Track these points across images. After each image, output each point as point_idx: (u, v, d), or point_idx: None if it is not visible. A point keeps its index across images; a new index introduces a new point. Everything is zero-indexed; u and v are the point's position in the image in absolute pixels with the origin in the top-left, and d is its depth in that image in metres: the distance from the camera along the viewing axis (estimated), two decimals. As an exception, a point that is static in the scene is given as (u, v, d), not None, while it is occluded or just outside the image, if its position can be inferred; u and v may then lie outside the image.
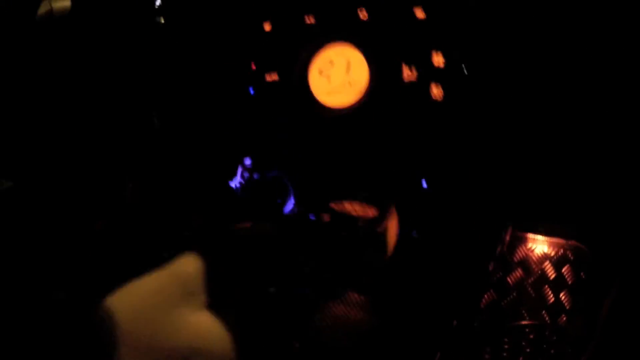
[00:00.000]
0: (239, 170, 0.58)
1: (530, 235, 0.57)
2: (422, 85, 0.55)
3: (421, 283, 0.57)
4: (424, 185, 0.55)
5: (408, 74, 0.55)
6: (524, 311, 0.54)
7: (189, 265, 0.35)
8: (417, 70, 0.55)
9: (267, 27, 0.62)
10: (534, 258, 0.56)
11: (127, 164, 0.72)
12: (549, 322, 0.53)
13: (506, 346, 0.53)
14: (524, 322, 0.54)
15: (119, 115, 0.72)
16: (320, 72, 0.60)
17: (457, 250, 0.56)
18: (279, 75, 0.61)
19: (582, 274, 0.54)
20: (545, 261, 0.55)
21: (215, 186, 0.63)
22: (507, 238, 0.56)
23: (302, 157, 0.54)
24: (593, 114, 0.55)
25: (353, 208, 0.51)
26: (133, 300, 0.32)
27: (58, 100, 0.72)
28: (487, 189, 0.57)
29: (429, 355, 0.55)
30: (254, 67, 0.62)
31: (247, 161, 0.60)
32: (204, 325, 0.34)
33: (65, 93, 0.72)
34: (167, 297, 0.33)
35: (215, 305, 0.35)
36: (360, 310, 0.54)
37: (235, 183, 0.60)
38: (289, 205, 0.57)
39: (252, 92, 0.62)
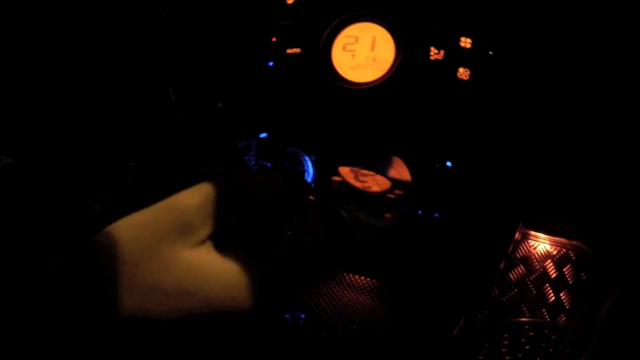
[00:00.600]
0: (254, 143, 0.58)
1: (533, 233, 0.57)
2: (448, 64, 0.56)
3: (433, 270, 0.57)
4: (448, 164, 0.55)
5: (434, 52, 0.55)
6: (524, 308, 0.54)
7: (188, 198, 0.33)
8: (444, 49, 0.55)
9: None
10: (536, 256, 0.56)
11: (130, 142, 0.71)
12: (548, 320, 0.53)
13: (505, 342, 0.53)
14: (523, 319, 0.54)
15: (124, 92, 0.72)
16: (344, 48, 0.60)
17: (473, 239, 0.56)
18: (301, 48, 0.61)
19: (583, 274, 0.54)
20: (547, 260, 0.55)
21: (229, 162, 0.63)
22: (518, 236, 0.56)
23: (321, 132, 0.54)
24: (603, 116, 0.55)
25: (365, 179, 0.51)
26: (130, 232, 0.30)
27: (61, 76, 0.71)
28: (502, 180, 0.57)
29: (438, 344, 0.54)
30: (274, 40, 0.62)
31: (263, 135, 0.59)
32: (208, 261, 0.32)
33: (68, 69, 0.71)
34: (164, 230, 0.31)
35: (220, 242, 0.34)
36: (368, 296, 0.54)
37: (249, 158, 0.60)
38: (308, 178, 0.57)
39: (271, 65, 0.62)
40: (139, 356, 0.29)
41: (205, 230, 0.33)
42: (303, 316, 0.50)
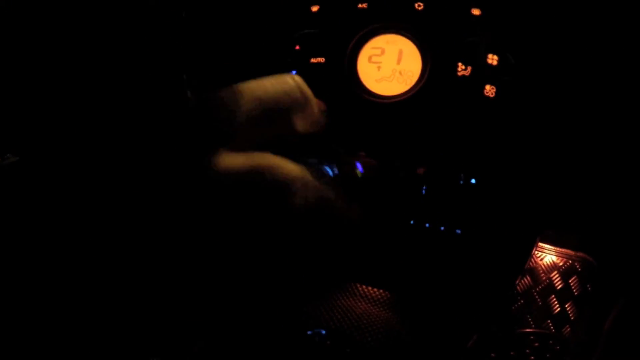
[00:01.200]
0: None
1: (540, 244, 0.58)
2: (475, 80, 0.55)
3: (449, 284, 0.57)
4: (472, 181, 0.55)
5: (461, 68, 0.55)
6: (529, 319, 0.54)
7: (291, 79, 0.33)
8: (472, 65, 0.55)
9: (315, 7, 0.61)
10: (542, 267, 0.56)
11: (137, 138, 0.70)
12: (553, 331, 0.54)
13: (511, 352, 0.54)
14: (529, 330, 0.54)
15: (136, 93, 0.71)
16: (370, 59, 0.59)
17: (489, 254, 0.57)
18: (325, 58, 0.60)
19: (588, 286, 0.55)
20: (554, 271, 0.56)
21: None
22: (534, 251, 0.57)
23: (343, 144, 0.54)
24: (610, 130, 0.55)
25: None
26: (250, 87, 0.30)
27: (68, 74, 0.70)
28: (519, 195, 0.57)
29: (449, 356, 0.55)
30: (297, 48, 0.61)
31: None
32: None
33: (75, 67, 0.70)
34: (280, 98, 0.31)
35: None
36: (382, 307, 0.54)
37: None
38: None
39: (294, 73, 0.61)
40: None
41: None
42: (324, 332, 0.51)
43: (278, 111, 0.31)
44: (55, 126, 0.69)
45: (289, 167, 0.31)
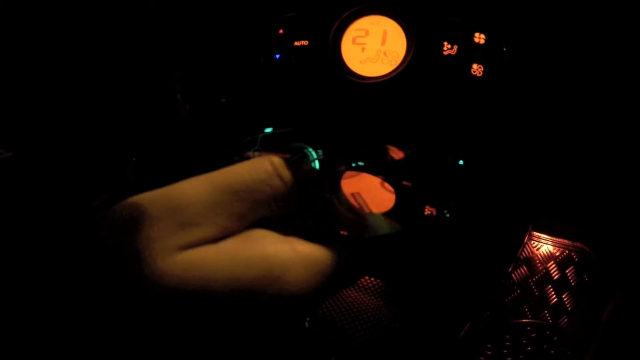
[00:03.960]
0: (258, 138, 0.57)
1: (536, 234, 0.57)
2: (461, 59, 0.55)
3: (438, 270, 0.56)
4: (460, 162, 0.54)
5: (447, 47, 0.54)
6: (526, 309, 0.54)
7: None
8: (457, 44, 0.54)
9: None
10: (539, 257, 0.56)
11: (131, 137, 0.70)
12: (550, 322, 0.53)
13: (507, 343, 0.53)
14: (525, 321, 0.53)
15: (125, 86, 0.71)
16: (354, 41, 0.59)
17: (481, 240, 0.56)
18: (309, 41, 0.59)
19: (585, 276, 0.54)
20: (550, 261, 0.55)
21: (231, 159, 0.61)
22: (526, 240, 0.56)
23: (329, 126, 0.53)
24: (609, 119, 0.54)
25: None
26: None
27: (61, 71, 0.70)
28: (510, 180, 0.56)
29: (441, 345, 0.54)
30: (281, 32, 0.61)
31: (268, 130, 0.58)
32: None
33: (68, 63, 0.70)
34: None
35: None
36: (373, 296, 0.53)
37: (254, 153, 0.59)
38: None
39: (277, 57, 0.61)
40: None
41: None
42: (307, 318, 0.49)
43: (256, 202, 0.30)
44: (48, 123, 0.69)
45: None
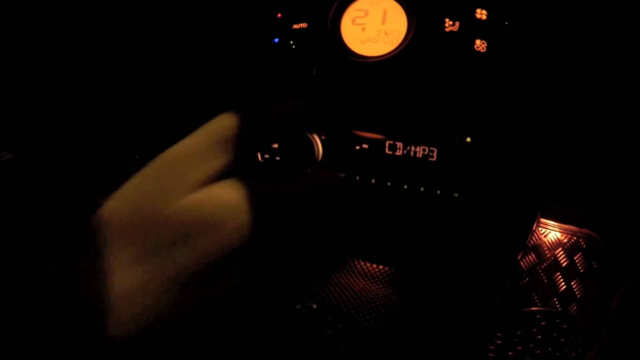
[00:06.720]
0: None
1: (544, 220, 0.56)
2: (464, 36, 0.53)
3: (447, 258, 0.55)
4: (467, 139, 0.53)
5: (449, 23, 0.53)
6: (535, 297, 0.53)
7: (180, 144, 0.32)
8: (459, 20, 0.53)
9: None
10: (547, 244, 0.55)
11: (133, 135, 0.69)
12: (559, 309, 0.53)
13: (518, 332, 0.53)
14: (535, 309, 0.53)
15: (126, 84, 0.70)
16: (354, 21, 0.58)
17: (489, 227, 0.54)
18: (308, 24, 0.58)
19: (594, 263, 0.54)
20: (558, 248, 0.54)
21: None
22: (535, 227, 0.55)
23: (332, 108, 0.52)
24: (617, 103, 0.53)
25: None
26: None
27: (62, 71, 0.69)
28: (519, 163, 0.55)
29: (450, 333, 0.53)
30: (279, 16, 0.59)
31: None
32: (207, 198, 0.29)
33: (69, 63, 0.69)
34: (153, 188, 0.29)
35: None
36: (381, 284, 0.53)
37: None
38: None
39: (276, 41, 0.60)
40: None
41: (209, 168, 0.31)
42: (314, 306, 0.48)
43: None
44: (48, 123, 0.68)
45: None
